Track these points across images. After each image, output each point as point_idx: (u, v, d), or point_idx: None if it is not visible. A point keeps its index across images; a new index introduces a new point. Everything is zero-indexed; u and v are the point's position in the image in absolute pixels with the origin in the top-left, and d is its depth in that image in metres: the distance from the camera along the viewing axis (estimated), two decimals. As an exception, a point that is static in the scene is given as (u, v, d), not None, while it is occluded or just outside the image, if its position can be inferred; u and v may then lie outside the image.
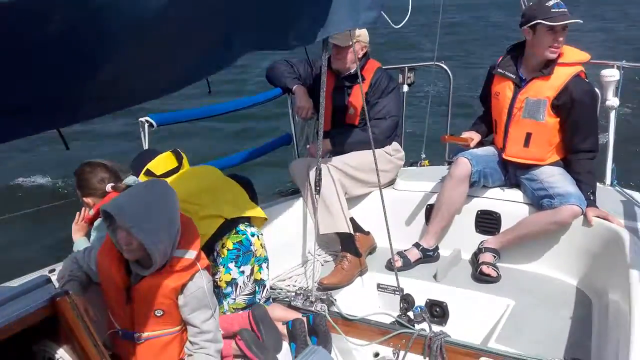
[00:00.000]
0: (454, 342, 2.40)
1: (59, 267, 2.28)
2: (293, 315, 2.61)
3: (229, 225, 2.55)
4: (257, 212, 2.73)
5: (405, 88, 4.15)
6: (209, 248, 2.53)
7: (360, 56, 3.51)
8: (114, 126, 9.23)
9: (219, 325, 2.18)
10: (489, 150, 3.31)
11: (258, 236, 2.64)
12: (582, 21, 2.96)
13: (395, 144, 3.63)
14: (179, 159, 2.70)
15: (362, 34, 3.50)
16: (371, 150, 3.44)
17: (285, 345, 2.52)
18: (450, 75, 4.21)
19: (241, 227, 2.58)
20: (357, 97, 3.52)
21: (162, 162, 2.65)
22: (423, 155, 4.26)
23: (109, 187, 2.36)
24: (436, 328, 2.65)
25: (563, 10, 2.96)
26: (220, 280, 2.55)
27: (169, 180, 2.58)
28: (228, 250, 2.53)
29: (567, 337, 2.57)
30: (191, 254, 2.01)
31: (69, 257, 2.25)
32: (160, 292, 1.97)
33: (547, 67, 3.04)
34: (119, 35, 1.16)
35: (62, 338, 1.64)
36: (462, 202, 3.28)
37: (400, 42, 18.46)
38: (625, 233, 2.74)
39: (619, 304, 2.35)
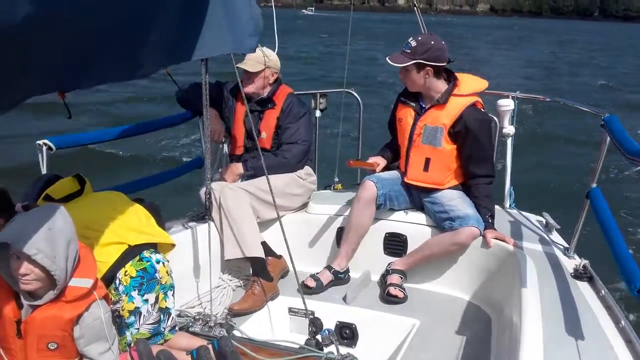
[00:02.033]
0: None
1: None
2: (199, 343, 2.55)
3: (133, 252, 2.46)
4: (164, 237, 2.65)
5: (318, 113, 4.25)
6: (111, 276, 2.43)
7: (271, 82, 3.57)
8: (6, 149, 8.57)
9: None
10: (393, 174, 3.44)
11: (164, 263, 2.56)
12: (390, 63, 3.24)
13: (307, 168, 3.69)
14: (82, 184, 2.59)
15: (273, 60, 3.56)
16: (283, 175, 3.50)
17: None
18: (360, 101, 4.36)
19: (145, 253, 2.49)
20: (268, 121, 3.56)
21: (62, 187, 2.52)
22: (336, 179, 4.36)
23: (18, 206, 2.20)
24: (345, 350, 2.68)
25: (402, 50, 3.23)
26: (123, 310, 2.45)
27: (69, 205, 2.47)
28: (131, 277, 2.43)
29: (468, 356, 2.68)
30: (87, 283, 1.92)
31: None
32: (53, 324, 1.86)
33: (440, 96, 3.24)
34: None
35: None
36: (370, 225, 3.37)
37: (312, 70, 19.00)
38: (520, 253, 2.92)
39: (512, 322, 2.49)
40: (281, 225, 2.83)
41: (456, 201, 3.22)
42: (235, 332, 2.81)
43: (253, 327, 2.91)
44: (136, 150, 8.72)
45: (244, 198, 3.35)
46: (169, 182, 3.67)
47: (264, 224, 3.48)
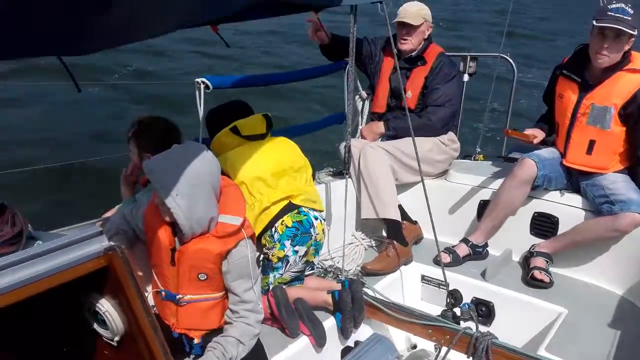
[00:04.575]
0: (502, 345, 2.28)
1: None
2: (326, 284, 2.59)
3: (292, 207, 2.52)
4: (318, 203, 2.67)
5: (466, 77, 4.01)
6: (270, 224, 2.49)
7: (425, 37, 3.38)
8: (165, 87, 9.09)
9: None
10: (554, 153, 3.13)
11: (321, 220, 2.58)
12: (632, 32, 2.69)
13: (451, 134, 3.49)
14: (268, 127, 2.64)
15: (429, 13, 3.36)
16: (426, 138, 3.33)
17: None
18: (515, 69, 4.04)
19: (304, 208, 2.53)
20: (415, 80, 3.39)
21: (251, 124, 2.59)
22: (478, 149, 4.12)
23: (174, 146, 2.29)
24: (481, 328, 2.53)
25: (619, 16, 2.71)
26: (272, 255, 2.50)
27: (250, 145, 2.55)
28: (287, 227, 2.47)
29: (622, 355, 2.42)
30: (236, 220, 1.93)
31: (117, 212, 2.21)
32: (204, 256, 1.91)
33: (610, 72, 2.84)
34: None
35: (109, 292, 1.59)
36: (520, 204, 3.12)
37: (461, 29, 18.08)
38: None
39: None
40: (425, 191, 2.69)
41: (619, 184, 2.88)
42: (366, 290, 2.77)
43: (384, 288, 2.84)
44: (282, 98, 8.83)
45: (384, 158, 3.24)
46: (309, 134, 3.66)
47: (401, 187, 3.36)
